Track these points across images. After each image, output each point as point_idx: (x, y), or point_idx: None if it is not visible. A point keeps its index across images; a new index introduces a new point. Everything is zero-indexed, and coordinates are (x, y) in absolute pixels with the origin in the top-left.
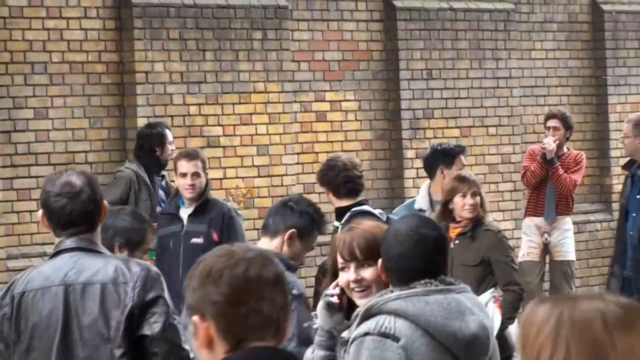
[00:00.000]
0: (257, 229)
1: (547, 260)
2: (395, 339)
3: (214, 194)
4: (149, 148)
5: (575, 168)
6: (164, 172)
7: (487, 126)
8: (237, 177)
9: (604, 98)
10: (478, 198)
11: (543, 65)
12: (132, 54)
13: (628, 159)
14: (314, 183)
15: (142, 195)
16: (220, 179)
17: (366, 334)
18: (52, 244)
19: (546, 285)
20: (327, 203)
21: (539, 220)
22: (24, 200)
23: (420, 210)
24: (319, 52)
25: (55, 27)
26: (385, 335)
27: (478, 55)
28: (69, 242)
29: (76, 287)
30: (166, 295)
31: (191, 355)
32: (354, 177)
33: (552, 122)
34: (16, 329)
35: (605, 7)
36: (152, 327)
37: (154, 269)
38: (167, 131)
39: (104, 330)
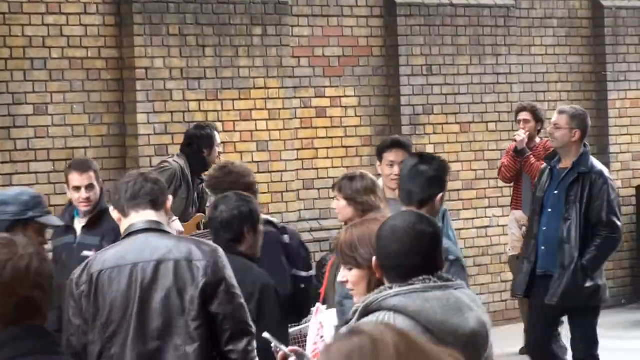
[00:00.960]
0: None
1: None
2: None
3: None
4: (197, 149)
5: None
6: (203, 176)
7: (487, 122)
8: None
9: (603, 94)
10: None
11: (543, 61)
12: (132, 50)
13: (551, 150)
14: (313, 179)
15: (181, 193)
16: None
17: None
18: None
19: None
20: (327, 199)
21: (519, 214)
22: None
23: None
24: (319, 47)
25: (54, 23)
26: None
27: (478, 51)
28: (141, 225)
29: (150, 265)
30: (233, 275)
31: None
32: None
33: (523, 115)
34: (94, 305)
35: (605, 3)
36: (225, 306)
37: (218, 248)
38: (216, 133)
39: (178, 304)
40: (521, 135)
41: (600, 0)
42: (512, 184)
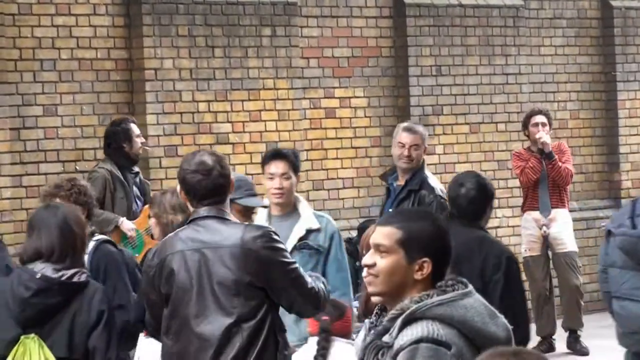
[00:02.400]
0: None
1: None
2: (448, 346)
3: None
4: (117, 145)
5: (565, 158)
6: (136, 169)
7: (496, 122)
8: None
9: (613, 94)
10: None
11: (552, 62)
12: (141, 50)
13: (388, 168)
14: (322, 180)
15: (118, 194)
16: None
17: (419, 340)
18: None
19: (555, 282)
20: (336, 200)
21: (536, 214)
22: (32, 197)
23: None
24: (328, 48)
25: (64, 24)
26: (438, 342)
27: (487, 51)
28: (203, 212)
29: (209, 250)
30: (284, 249)
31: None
32: None
33: (540, 118)
34: (165, 285)
35: (614, 3)
36: (279, 280)
37: (270, 229)
38: (133, 125)
39: (234, 285)
40: (547, 138)
41: (610, 1)
42: (524, 185)
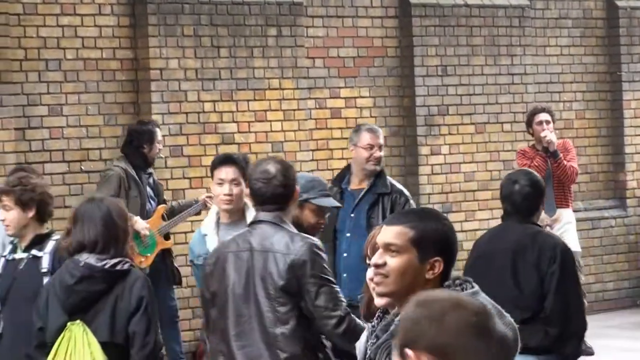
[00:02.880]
0: None
1: None
2: None
3: None
4: (138, 145)
5: (570, 156)
6: (150, 170)
7: (502, 122)
8: None
9: (618, 94)
10: None
11: (558, 62)
12: (147, 50)
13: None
14: (328, 179)
15: (132, 193)
16: None
17: None
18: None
19: None
20: None
21: (542, 214)
22: None
23: (205, 235)
24: (334, 48)
25: (69, 24)
26: None
27: (493, 51)
28: (261, 216)
29: (257, 253)
30: (323, 263)
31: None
32: None
33: (544, 116)
34: (216, 283)
35: (619, 3)
36: (311, 295)
37: (315, 242)
38: (157, 130)
39: (270, 289)
40: (552, 136)
41: (615, 1)
42: None
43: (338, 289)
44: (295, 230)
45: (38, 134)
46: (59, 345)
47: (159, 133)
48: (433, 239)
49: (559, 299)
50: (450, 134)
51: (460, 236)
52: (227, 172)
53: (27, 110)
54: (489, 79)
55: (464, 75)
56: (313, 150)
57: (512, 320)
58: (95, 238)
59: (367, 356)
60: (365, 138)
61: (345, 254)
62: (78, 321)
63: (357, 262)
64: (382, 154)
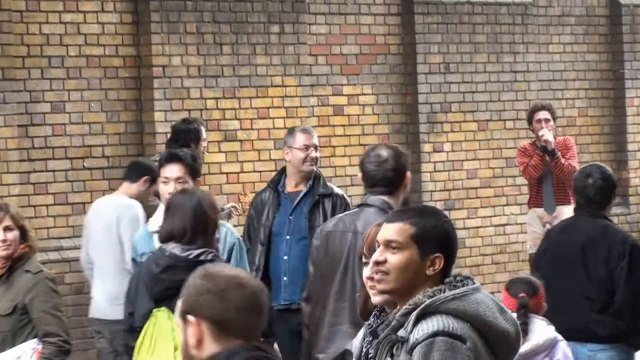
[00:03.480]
0: None
1: None
2: (463, 340)
3: (230, 189)
4: (184, 144)
5: (569, 154)
6: None
7: (504, 120)
8: (254, 171)
9: (621, 92)
10: (15, 232)
11: (560, 59)
12: (149, 47)
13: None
14: (331, 177)
15: None
16: (238, 173)
17: (435, 334)
18: (69, 237)
19: None
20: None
21: (541, 211)
22: (40, 194)
23: (155, 232)
24: (337, 45)
25: (72, 21)
26: (454, 336)
27: (495, 49)
28: (370, 200)
29: (359, 236)
30: None
31: None
32: None
33: (544, 114)
34: (322, 257)
35: (622, 1)
36: None
37: None
38: (203, 128)
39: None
40: (549, 135)
41: None
42: (528, 181)
43: None
44: None
45: (41, 131)
46: (146, 330)
47: (204, 131)
48: (433, 235)
49: (627, 294)
50: (452, 131)
51: (462, 233)
52: (172, 170)
53: (30, 107)
54: (491, 77)
55: (466, 72)
56: None
57: (513, 316)
58: (184, 228)
59: (362, 353)
60: (300, 139)
61: (285, 257)
62: (163, 308)
63: (297, 265)
64: (317, 154)
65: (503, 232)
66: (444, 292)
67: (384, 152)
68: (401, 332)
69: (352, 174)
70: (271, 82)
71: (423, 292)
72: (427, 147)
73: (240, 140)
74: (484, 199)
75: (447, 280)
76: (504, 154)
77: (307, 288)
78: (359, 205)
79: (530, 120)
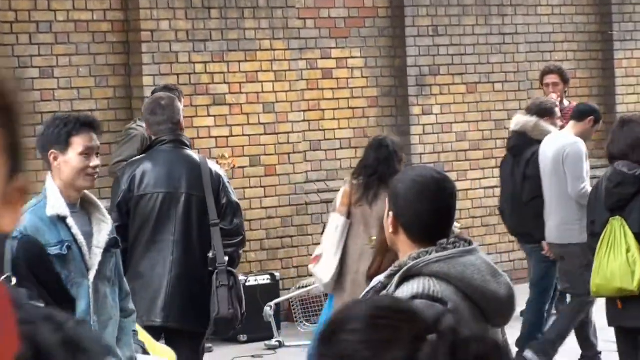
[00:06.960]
0: (263, 187)
1: None
2: (444, 302)
3: (219, 152)
4: None
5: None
6: None
7: (493, 82)
8: (243, 135)
9: (610, 53)
10: None
11: (549, 21)
12: (138, 12)
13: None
14: (320, 140)
15: None
16: (227, 137)
17: (414, 297)
18: None
19: None
20: (333, 160)
21: None
22: (28, 159)
23: (64, 217)
24: (325, 9)
25: None
26: (434, 299)
27: (484, 11)
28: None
29: None
30: None
31: None
32: None
33: (552, 78)
34: None
35: None
36: None
37: None
38: (182, 98)
39: None
40: (556, 100)
41: None
42: None
43: None
44: None
45: (29, 97)
46: (603, 236)
47: (181, 99)
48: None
49: None
50: (441, 94)
51: None
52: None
53: (18, 73)
54: (480, 39)
55: (455, 35)
56: (304, 111)
57: (508, 280)
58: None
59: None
60: None
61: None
62: (617, 217)
63: None
64: None
65: (492, 195)
66: (430, 255)
67: None
68: (383, 294)
69: (341, 137)
70: (260, 45)
71: (409, 254)
72: (416, 110)
73: (229, 104)
74: (473, 162)
75: (439, 242)
76: (493, 117)
77: None
78: None
79: (541, 82)
